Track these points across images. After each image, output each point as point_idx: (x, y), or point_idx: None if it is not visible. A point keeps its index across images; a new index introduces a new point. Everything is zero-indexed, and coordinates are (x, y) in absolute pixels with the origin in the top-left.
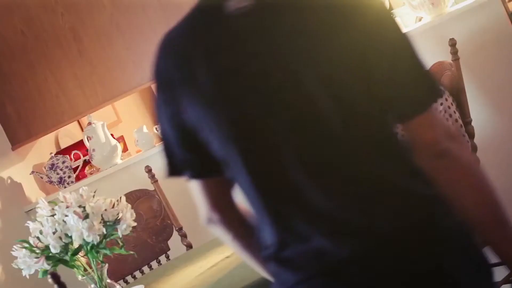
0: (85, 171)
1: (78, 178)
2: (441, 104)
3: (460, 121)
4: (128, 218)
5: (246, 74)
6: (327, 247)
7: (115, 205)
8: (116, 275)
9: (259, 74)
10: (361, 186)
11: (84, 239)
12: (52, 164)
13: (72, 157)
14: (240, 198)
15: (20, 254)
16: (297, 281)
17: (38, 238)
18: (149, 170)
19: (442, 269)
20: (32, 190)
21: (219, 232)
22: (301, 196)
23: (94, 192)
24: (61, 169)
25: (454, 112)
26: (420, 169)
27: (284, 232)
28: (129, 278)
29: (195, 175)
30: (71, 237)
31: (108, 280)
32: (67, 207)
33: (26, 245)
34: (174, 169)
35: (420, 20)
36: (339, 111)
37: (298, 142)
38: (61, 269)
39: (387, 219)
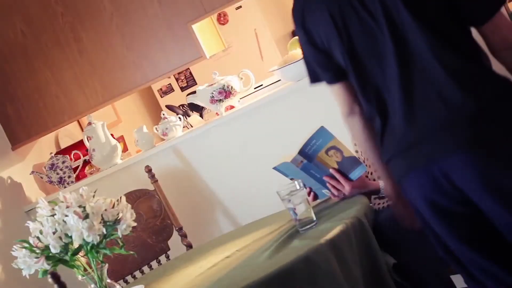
0: (85, 171)
1: (78, 178)
2: None
3: None
4: (128, 218)
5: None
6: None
7: (115, 205)
8: (116, 275)
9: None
10: (446, 74)
11: (84, 239)
12: (52, 164)
13: (72, 157)
14: None
15: (20, 254)
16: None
17: (38, 238)
18: (149, 170)
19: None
20: (32, 190)
21: (355, 123)
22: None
23: (94, 192)
24: (61, 169)
25: None
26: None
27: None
28: (129, 278)
29: (331, 79)
30: (71, 237)
31: (108, 280)
32: (67, 207)
33: (26, 245)
34: (315, 77)
35: None
36: (422, 23)
37: (395, 47)
38: (61, 269)
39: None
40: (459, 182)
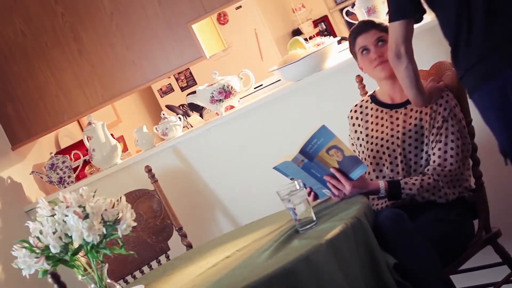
0: (85, 171)
1: (78, 178)
2: (445, 102)
3: (463, 122)
4: (128, 218)
5: None
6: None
7: (115, 205)
8: (116, 275)
9: None
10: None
11: (84, 239)
12: (52, 164)
13: (72, 157)
14: None
15: (20, 254)
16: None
17: (38, 238)
18: (149, 170)
19: None
20: (32, 190)
21: (402, 61)
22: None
23: (94, 192)
24: (61, 169)
25: (459, 113)
26: None
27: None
28: (129, 278)
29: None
30: (71, 237)
31: (108, 280)
32: (67, 207)
33: (26, 245)
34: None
35: None
36: None
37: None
38: (61, 269)
39: None
40: None
